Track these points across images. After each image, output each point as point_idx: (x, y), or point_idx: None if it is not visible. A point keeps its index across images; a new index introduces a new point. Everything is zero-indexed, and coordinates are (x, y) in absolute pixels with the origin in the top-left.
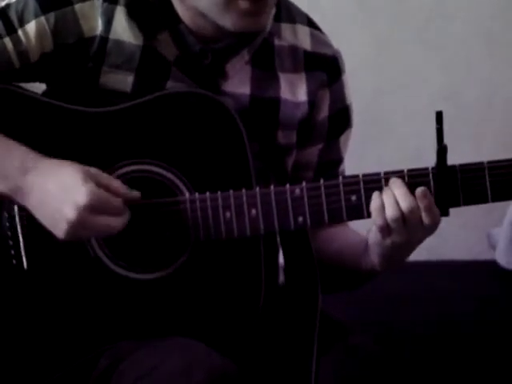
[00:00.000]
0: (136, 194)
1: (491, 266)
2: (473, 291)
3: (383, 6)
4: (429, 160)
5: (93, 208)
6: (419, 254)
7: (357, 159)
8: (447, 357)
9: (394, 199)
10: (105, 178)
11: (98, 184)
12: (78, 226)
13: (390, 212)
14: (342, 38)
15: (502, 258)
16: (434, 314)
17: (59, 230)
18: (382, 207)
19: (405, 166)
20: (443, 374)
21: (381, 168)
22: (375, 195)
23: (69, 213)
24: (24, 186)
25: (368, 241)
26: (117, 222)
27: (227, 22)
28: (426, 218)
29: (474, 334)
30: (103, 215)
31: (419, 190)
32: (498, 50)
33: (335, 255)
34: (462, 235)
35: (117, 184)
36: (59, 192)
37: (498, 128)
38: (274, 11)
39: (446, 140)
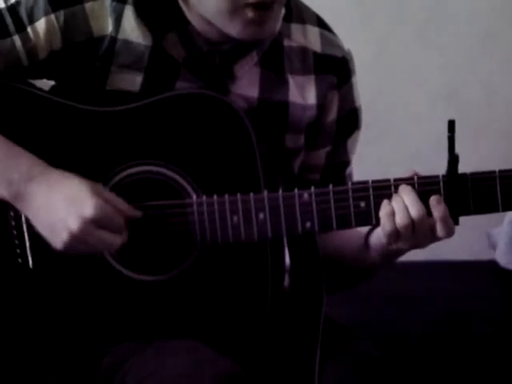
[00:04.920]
0: (138, 213)
1: (491, 265)
2: (473, 291)
3: (383, 6)
4: (428, 160)
5: (97, 222)
6: (419, 254)
7: (357, 159)
8: (447, 357)
9: (403, 206)
10: (110, 194)
11: (105, 200)
12: (78, 238)
13: (400, 219)
14: (342, 38)
15: (501, 258)
16: (434, 314)
17: (58, 239)
18: (392, 213)
19: (405, 166)
20: (443, 374)
21: (381, 168)
22: (385, 202)
23: (73, 224)
24: (26, 193)
25: (370, 241)
26: (116, 240)
27: (232, 30)
28: (440, 230)
29: (473, 334)
30: (105, 231)
31: (433, 198)
32: (498, 50)
33: (337, 251)
34: (462, 235)
35: (121, 202)
36: (65, 202)
37: (498, 128)
38: (283, 13)
39: (446, 140)
